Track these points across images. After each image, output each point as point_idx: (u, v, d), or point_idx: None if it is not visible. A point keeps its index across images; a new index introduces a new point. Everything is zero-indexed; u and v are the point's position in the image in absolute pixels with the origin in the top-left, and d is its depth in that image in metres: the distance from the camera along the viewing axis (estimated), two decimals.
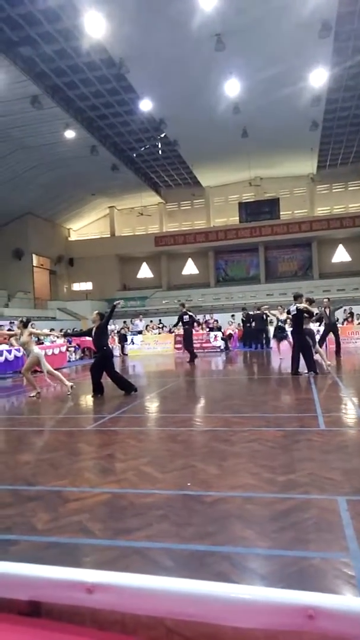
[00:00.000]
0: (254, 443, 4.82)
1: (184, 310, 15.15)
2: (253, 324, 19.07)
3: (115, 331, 20.70)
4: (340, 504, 3.15)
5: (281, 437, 5.03)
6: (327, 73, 17.59)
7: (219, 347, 19.47)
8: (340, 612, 0.53)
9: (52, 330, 16.24)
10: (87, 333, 9.35)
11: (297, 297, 10.16)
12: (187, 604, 0.58)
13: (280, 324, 14.35)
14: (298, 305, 9.92)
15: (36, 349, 9.29)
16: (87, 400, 8.56)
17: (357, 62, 17.40)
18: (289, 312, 10.74)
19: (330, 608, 0.54)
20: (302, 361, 10.20)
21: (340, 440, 4.90)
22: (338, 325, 15.99)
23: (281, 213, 31.11)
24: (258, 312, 18.44)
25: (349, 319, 20.47)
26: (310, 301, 10.61)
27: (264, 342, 18.83)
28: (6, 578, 0.65)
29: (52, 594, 0.63)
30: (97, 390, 8.58)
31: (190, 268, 33.33)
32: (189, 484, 3.68)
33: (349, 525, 2.83)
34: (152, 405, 7.92)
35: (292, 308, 10.12)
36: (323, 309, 14.02)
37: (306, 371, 10.09)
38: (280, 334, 14.29)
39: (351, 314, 20.81)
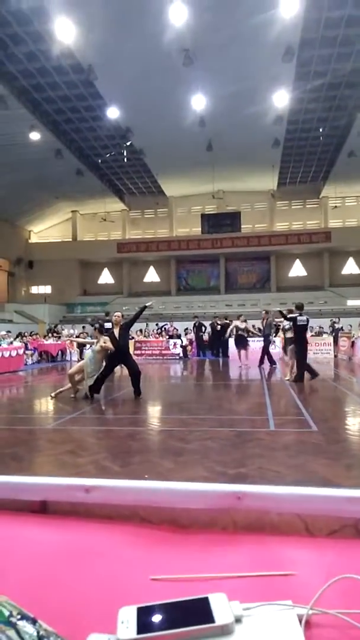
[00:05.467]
0: (208, 441, 5.11)
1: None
2: (221, 332, 19.51)
3: (74, 335, 20.63)
4: None
5: (234, 436, 5.35)
6: (289, 95, 18.46)
7: (178, 354, 19.79)
8: (258, 494, 0.81)
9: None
10: (112, 335, 8.61)
11: (301, 307, 10.64)
12: (155, 496, 0.84)
13: (241, 332, 14.80)
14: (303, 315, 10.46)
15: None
16: (47, 401, 8.63)
17: (317, 87, 18.36)
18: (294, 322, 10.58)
19: (252, 492, 0.81)
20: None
21: (288, 440, 5.27)
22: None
23: (242, 226, 31.99)
24: (226, 321, 19.04)
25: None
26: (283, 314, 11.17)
27: (222, 350, 19.30)
28: (24, 485, 0.89)
29: (58, 495, 0.87)
30: (94, 392, 8.47)
31: (151, 276, 33.63)
32: (146, 476, 3.91)
33: None
34: (112, 407, 8.09)
35: (303, 318, 10.42)
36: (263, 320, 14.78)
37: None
38: (242, 343, 14.74)
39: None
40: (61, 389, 8.68)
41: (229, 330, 15.61)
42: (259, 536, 0.79)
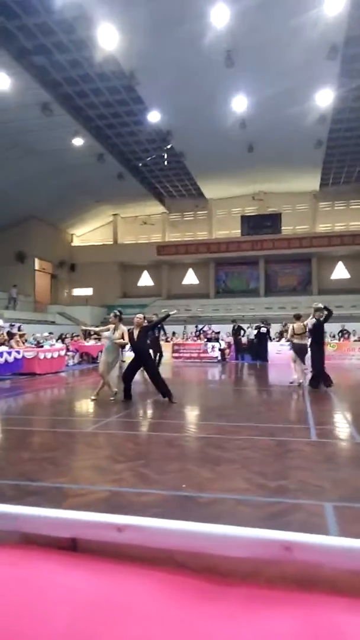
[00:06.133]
0: (247, 450, 4.98)
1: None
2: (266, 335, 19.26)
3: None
4: (326, 509, 3.32)
5: (274, 446, 5.20)
6: (333, 94, 17.99)
7: (216, 357, 19.65)
8: (311, 546, 0.72)
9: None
10: (131, 334, 8.56)
11: (298, 317, 10.98)
12: (194, 540, 0.76)
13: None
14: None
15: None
16: (86, 403, 8.71)
17: None
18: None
19: (303, 542, 0.72)
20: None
21: (330, 451, 5.07)
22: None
23: (283, 228, 31.47)
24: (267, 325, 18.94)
25: (346, 336, 20.69)
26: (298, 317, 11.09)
27: (261, 355, 18.99)
28: (53, 520, 0.83)
29: (89, 532, 0.81)
30: (127, 395, 8.52)
31: (190, 278, 33.62)
32: (184, 486, 3.84)
33: (333, 529, 3.00)
34: (149, 412, 8.07)
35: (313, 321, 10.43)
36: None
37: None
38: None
39: (347, 331, 21.04)
40: (99, 389, 8.76)
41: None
42: (310, 595, 0.70)
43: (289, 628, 0.63)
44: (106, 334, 8.97)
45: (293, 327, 10.86)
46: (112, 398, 8.59)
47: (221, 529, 0.76)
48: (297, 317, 10.97)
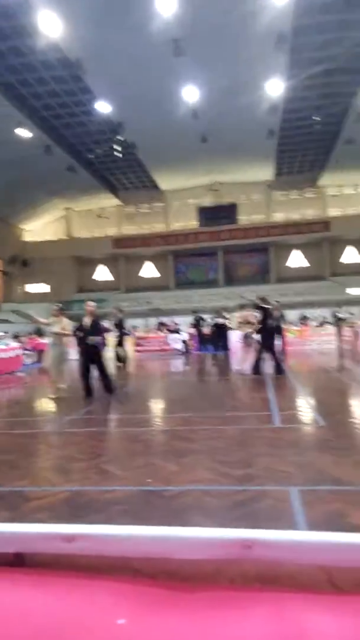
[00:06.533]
0: (212, 441, 4.98)
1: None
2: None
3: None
4: (292, 494, 3.35)
5: (239, 434, 5.23)
6: (283, 84, 18.20)
7: (179, 349, 19.65)
8: (272, 542, 0.67)
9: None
10: (80, 326, 8.44)
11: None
12: (150, 545, 0.70)
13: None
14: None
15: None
16: (46, 402, 8.50)
17: (312, 74, 18.03)
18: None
19: (264, 539, 0.68)
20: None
21: (295, 436, 5.14)
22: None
23: (239, 218, 31.76)
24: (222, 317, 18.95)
25: (305, 323, 21.18)
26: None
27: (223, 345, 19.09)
28: None
29: (36, 546, 0.74)
30: (88, 392, 8.28)
31: (149, 271, 33.44)
32: (149, 480, 3.78)
33: (299, 513, 3.03)
34: (113, 407, 7.95)
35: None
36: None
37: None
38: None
39: (306, 317, 21.55)
40: (57, 387, 8.57)
41: None
42: (274, 593, 0.65)
43: (254, 628, 0.59)
44: (50, 327, 8.85)
45: (237, 317, 11.08)
46: (61, 394, 8.42)
47: (178, 531, 0.71)
48: (241, 307, 11.17)
